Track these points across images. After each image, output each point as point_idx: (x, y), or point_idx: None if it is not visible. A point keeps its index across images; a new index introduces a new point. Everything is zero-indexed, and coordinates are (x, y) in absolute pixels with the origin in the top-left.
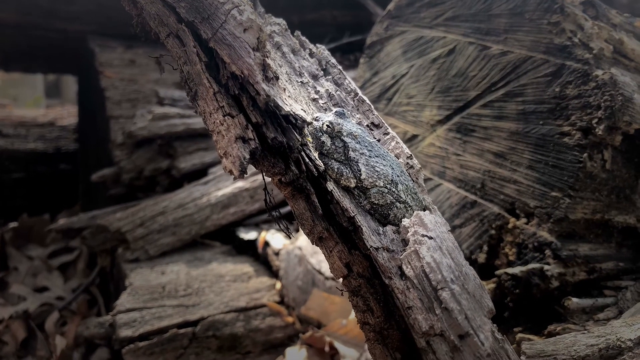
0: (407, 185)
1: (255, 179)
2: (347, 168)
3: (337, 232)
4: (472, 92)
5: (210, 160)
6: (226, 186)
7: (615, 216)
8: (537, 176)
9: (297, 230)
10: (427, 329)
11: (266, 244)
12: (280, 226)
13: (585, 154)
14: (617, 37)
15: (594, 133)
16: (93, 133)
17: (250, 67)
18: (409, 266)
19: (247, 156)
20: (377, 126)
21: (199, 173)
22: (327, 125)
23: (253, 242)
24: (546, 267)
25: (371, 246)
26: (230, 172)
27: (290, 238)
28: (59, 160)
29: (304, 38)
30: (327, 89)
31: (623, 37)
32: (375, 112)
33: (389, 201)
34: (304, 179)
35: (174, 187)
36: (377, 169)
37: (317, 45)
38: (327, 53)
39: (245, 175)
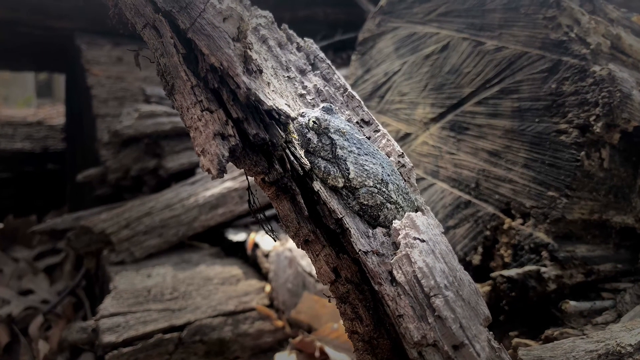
0: (398, 185)
1: (244, 179)
2: (334, 167)
3: (324, 235)
4: (466, 89)
5: (198, 159)
6: (214, 186)
7: (613, 216)
8: (533, 175)
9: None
10: (419, 338)
11: (255, 245)
12: (264, 229)
13: (582, 152)
14: (614, 33)
15: (592, 130)
16: (80, 132)
17: (230, 58)
18: (400, 271)
19: (227, 154)
20: (368, 123)
21: (187, 173)
22: (313, 121)
23: (242, 244)
24: (543, 269)
25: (360, 250)
26: (208, 171)
27: (275, 241)
28: (46, 160)
29: (291, 32)
30: (315, 84)
31: (620, 33)
32: (366, 109)
33: (379, 202)
34: (288, 179)
35: (161, 187)
36: (366, 167)
37: (305, 39)
38: (315, 47)
39: (224, 175)
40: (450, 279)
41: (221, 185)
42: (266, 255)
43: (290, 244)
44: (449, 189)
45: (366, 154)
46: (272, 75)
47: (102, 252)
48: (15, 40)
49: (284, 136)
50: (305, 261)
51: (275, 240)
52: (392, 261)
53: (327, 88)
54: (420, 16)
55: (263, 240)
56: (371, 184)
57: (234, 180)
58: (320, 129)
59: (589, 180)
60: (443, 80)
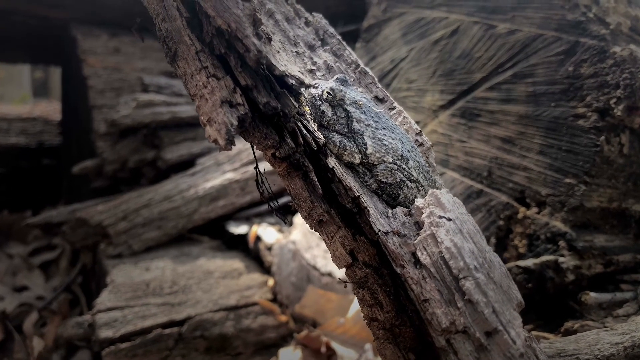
0: (418, 163)
1: (245, 170)
2: (350, 141)
3: (339, 215)
4: (477, 75)
5: (198, 150)
6: (215, 178)
7: (633, 205)
8: (549, 162)
9: (291, 225)
10: (448, 325)
11: (258, 238)
12: (272, 208)
13: (602, 137)
14: (633, 14)
15: (612, 114)
16: (76, 125)
17: (239, 19)
18: (425, 252)
19: (235, 122)
20: (382, 100)
21: (186, 164)
22: (327, 92)
23: (244, 237)
24: (561, 258)
25: (379, 230)
26: (215, 141)
27: (285, 223)
28: (41, 155)
29: (299, 6)
30: (325, 60)
31: (639, 15)
32: (380, 85)
33: (398, 179)
34: (301, 154)
35: (159, 179)
36: (385, 142)
37: (314, 14)
38: (324, 22)
39: (231, 147)
40: (480, 260)
41: (222, 177)
42: (269, 248)
43: (294, 236)
44: (460, 178)
45: (384, 128)
46: (280, 49)
47: (99, 246)
48: (10, 31)
49: (296, 106)
50: (309, 254)
51: (285, 223)
52: (415, 242)
53: (337, 64)
54: (428, 1)
55: (265, 232)
56: (390, 160)
57: (235, 171)
58: (335, 101)
59: (608, 167)
60: (453, 65)
